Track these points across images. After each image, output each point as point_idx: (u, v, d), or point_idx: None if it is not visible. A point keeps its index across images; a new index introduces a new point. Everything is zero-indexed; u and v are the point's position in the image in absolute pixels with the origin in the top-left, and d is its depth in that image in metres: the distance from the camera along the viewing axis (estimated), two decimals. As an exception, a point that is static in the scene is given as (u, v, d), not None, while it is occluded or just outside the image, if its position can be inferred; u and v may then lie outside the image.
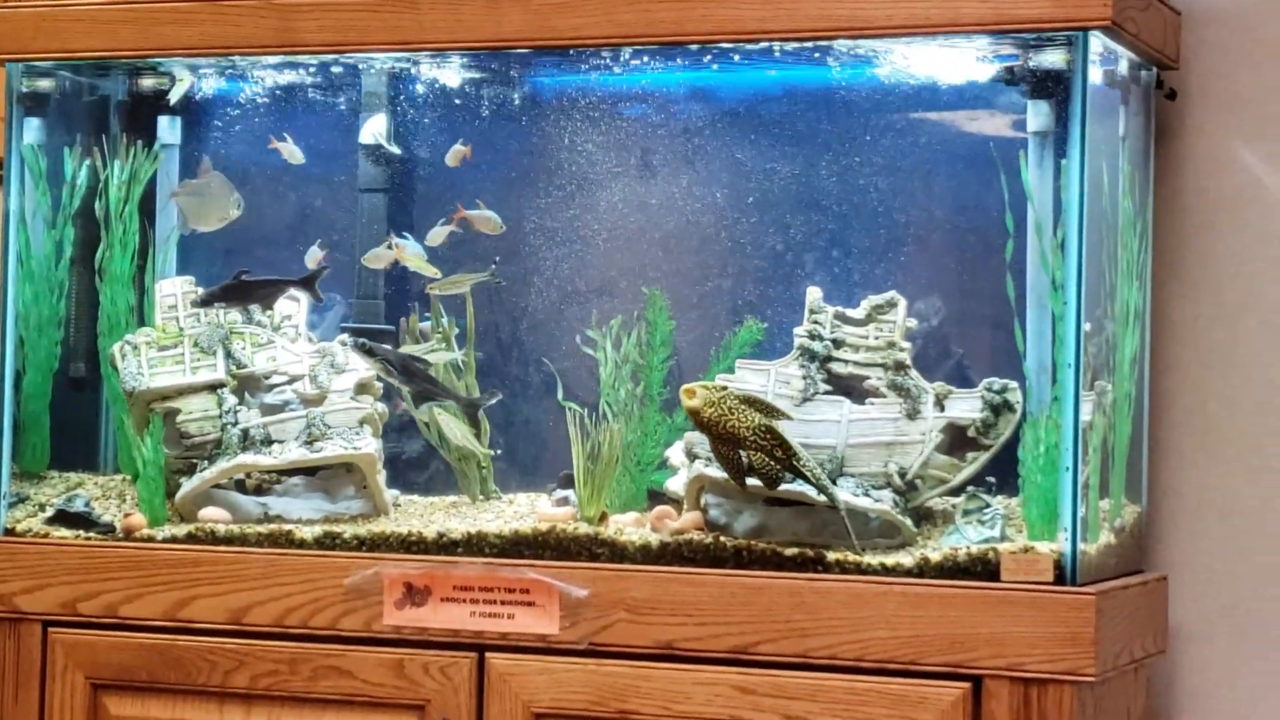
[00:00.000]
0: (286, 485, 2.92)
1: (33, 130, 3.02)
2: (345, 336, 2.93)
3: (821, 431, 2.67)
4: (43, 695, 2.78)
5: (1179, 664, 2.85)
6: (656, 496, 2.82)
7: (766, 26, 2.56)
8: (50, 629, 2.79)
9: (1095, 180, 2.53)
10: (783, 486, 2.59)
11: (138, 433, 2.87)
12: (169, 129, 3.14)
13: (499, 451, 2.97)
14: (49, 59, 2.91)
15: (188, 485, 2.85)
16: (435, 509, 2.91)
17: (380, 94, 3.04)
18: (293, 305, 3.00)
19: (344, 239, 3.07)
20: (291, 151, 3.01)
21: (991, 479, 2.66)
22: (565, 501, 2.80)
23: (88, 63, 2.98)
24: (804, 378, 2.71)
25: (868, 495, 2.61)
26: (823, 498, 2.57)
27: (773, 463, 2.56)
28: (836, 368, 2.73)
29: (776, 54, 2.76)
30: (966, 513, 2.60)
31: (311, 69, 3.02)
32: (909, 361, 2.71)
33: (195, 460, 2.88)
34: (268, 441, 2.86)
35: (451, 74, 3.01)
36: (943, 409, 2.68)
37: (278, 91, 3.09)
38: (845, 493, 2.60)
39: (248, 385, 2.94)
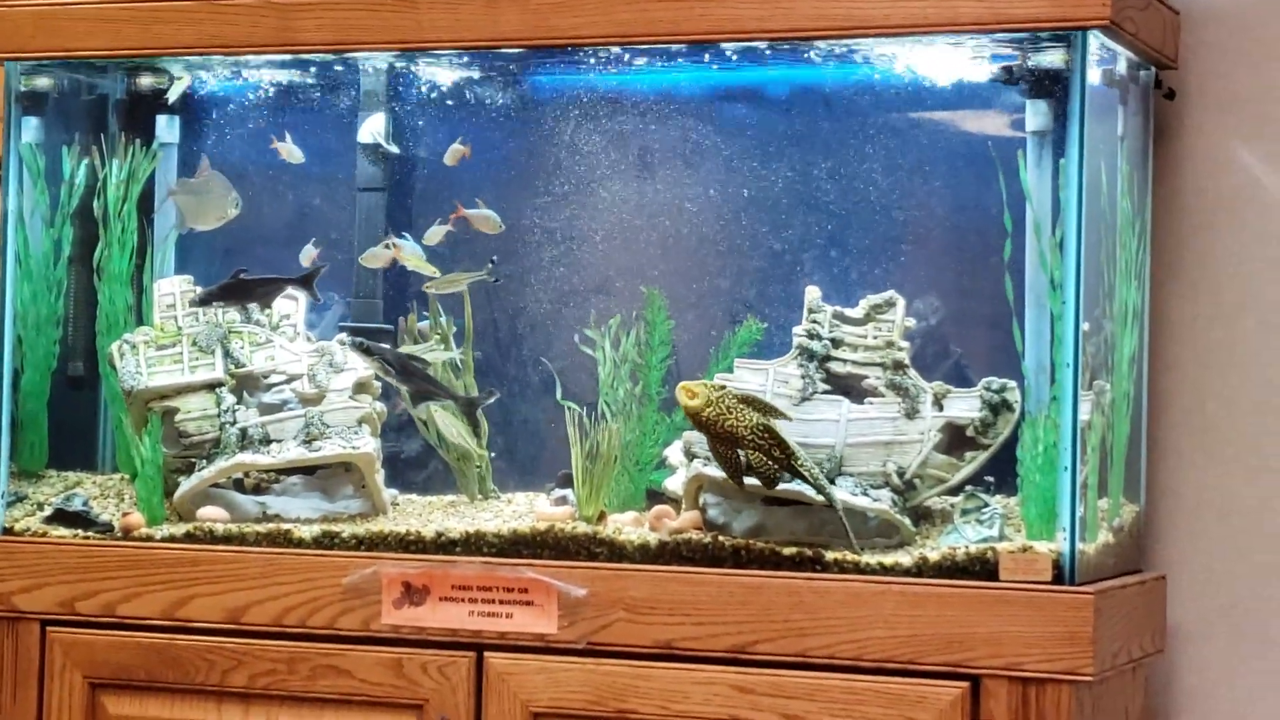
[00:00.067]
0: (285, 484, 2.92)
1: (31, 129, 3.02)
2: (343, 336, 2.93)
3: (820, 431, 2.67)
4: (41, 694, 2.78)
5: (1177, 663, 2.85)
6: (655, 496, 2.82)
7: (765, 26, 2.56)
8: (48, 628, 2.79)
9: (1094, 180, 2.53)
10: (781, 486, 2.59)
11: (136, 432, 2.87)
12: (167, 128, 3.14)
13: (494, 454, 2.97)
14: (48, 58, 2.91)
15: (186, 484, 2.85)
16: (434, 508, 2.91)
17: (379, 93, 3.04)
18: (291, 304, 3.00)
19: (342, 238, 3.07)
20: (291, 151, 3.01)
21: (990, 478, 2.66)
22: (564, 501, 2.80)
23: (86, 61, 2.98)
24: (803, 377, 2.71)
25: (866, 494, 2.61)
26: (820, 497, 2.57)
27: (771, 462, 2.56)
28: (835, 367, 2.73)
29: (775, 53, 2.76)
30: (965, 512, 2.60)
31: (310, 68, 3.02)
32: (907, 361, 2.71)
33: (193, 459, 2.88)
34: (266, 441, 2.86)
35: (450, 73, 3.01)
36: (941, 408, 2.68)
37: (276, 90, 3.09)
38: (844, 492, 2.60)
39: (246, 384, 2.94)
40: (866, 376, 2.71)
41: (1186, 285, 2.86)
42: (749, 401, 2.58)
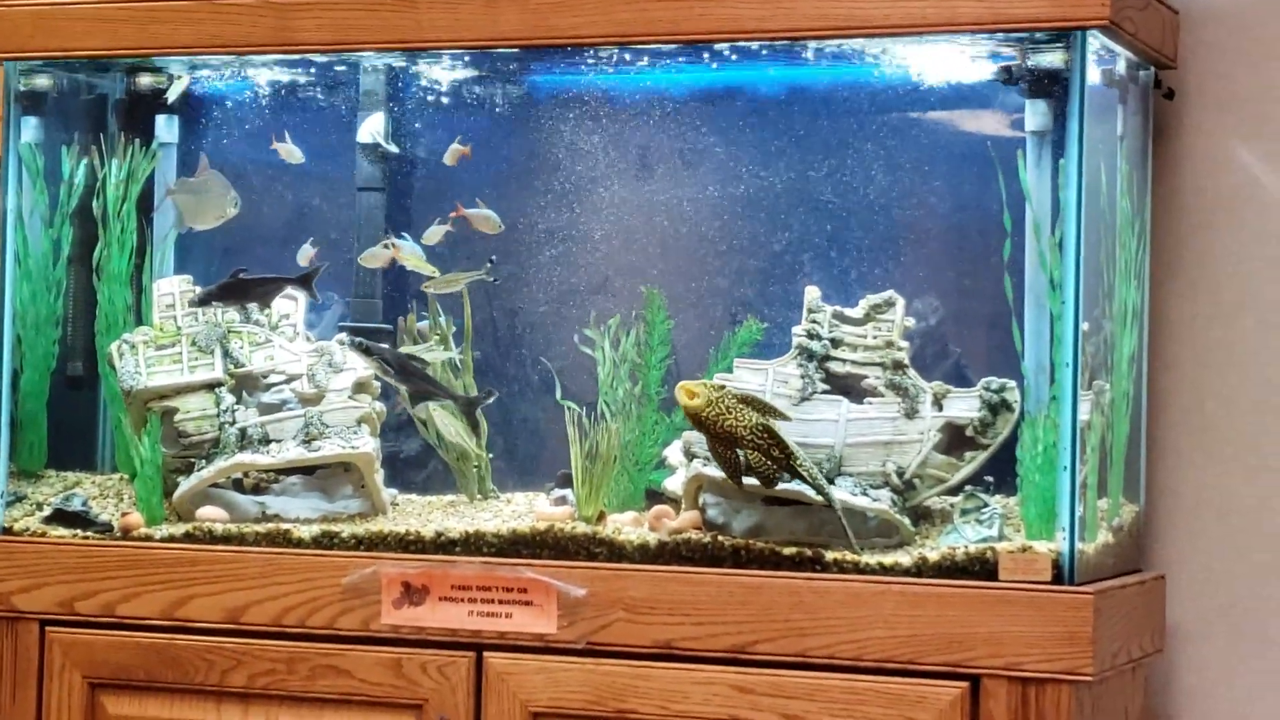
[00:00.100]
0: (284, 484, 2.92)
1: (30, 129, 3.02)
2: (343, 335, 2.93)
3: (819, 431, 2.67)
4: (40, 694, 2.78)
5: (1176, 663, 2.85)
6: (654, 496, 2.82)
7: (764, 25, 2.56)
8: (48, 628, 2.78)
9: (1093, 180, 2.53)
10: (780, 486, 2.59)
11: (135, 432, 2.87)
12: (166, 128, 3.14)
13: (493, 455, 2.97)
14: (47, 57, 2.91)
15: (185, 484, 2.85)
16: (433, 508, 2.91)
17: (378, 93, 3.04)
18: (290, 304, 3.00)
19: (342, 238, 3.07)
20: (290, 151, 3.01)
21: (989, 478, 2.66)
22: (563, 501, 2.80)
23: (85, 61, 2.98)
24: (802, 377, 2.71)
25: (866, 494, 2.61)
26: (820, 497, 2.57)
27: (770, 462, 2.56)
28: (835, 367, 2.73)
29: (775, 53, 2.76)
30: (964, 512, 2.60)
31: (310, 68, 3.02)
32: (907, 361, 2.71)
33: (193, 459, 2.88)
34: (265, 440, 2.86)
35: (449, 73, 3.01)
36: (941, 408, 2.68)
37: (275, 90, 3.09)
38: (843, 492, 2.60)
39: (245, 384, 2.93)
40: (866, 376, 2.71)
41: (1186, 285, 2.86)
42: (748, 401, 2.58)
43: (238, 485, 2.92)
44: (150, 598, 2.74)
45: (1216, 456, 2.85)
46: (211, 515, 2.82)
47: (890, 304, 2.73)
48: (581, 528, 2.68)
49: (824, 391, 2.71)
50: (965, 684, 2.43)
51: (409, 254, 2.92)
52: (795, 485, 2.58)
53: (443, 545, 2.69)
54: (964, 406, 2.67)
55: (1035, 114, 2.67)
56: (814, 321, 2.74)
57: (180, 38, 2.80)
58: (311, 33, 2.74)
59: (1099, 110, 2.59)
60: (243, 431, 2.86)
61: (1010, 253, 2.60)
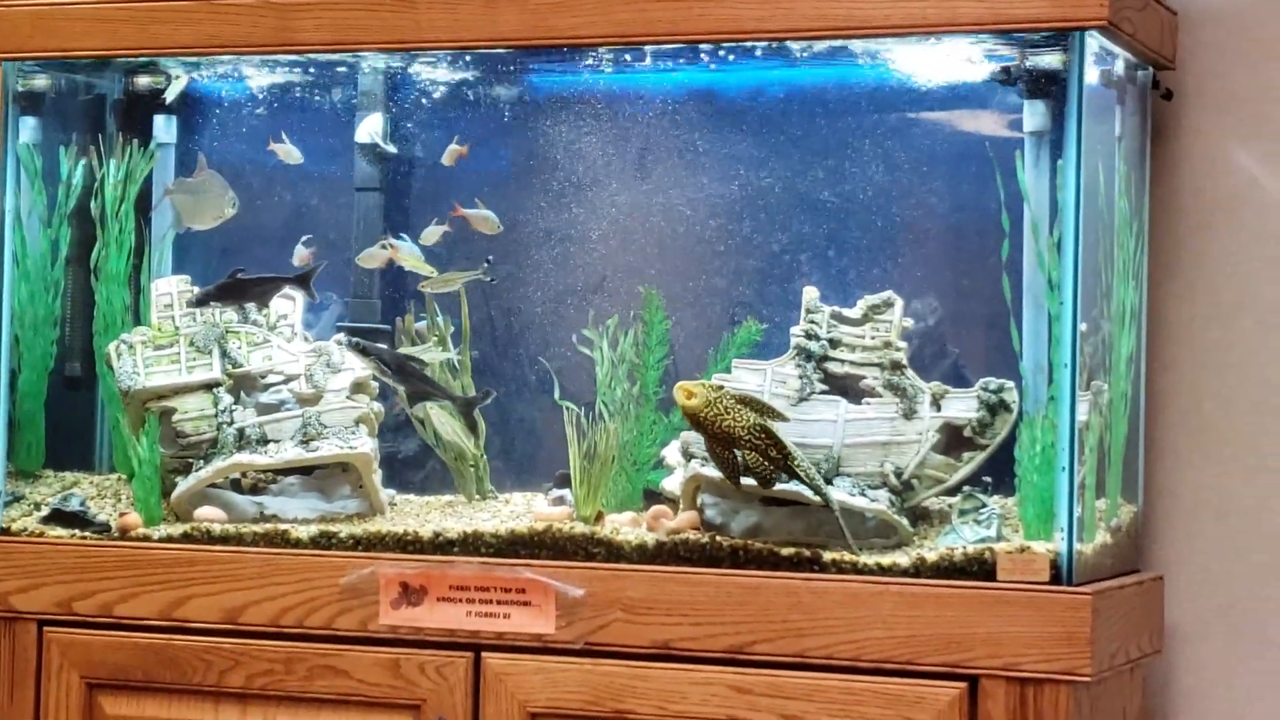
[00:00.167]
0: (282, 484, 2.92)
1: (28, 129, 3.02)
2: (341, 336, 2.93)
3: (818, 431, 2.67)
4: (38, 695, 2.78)
5: (1175, 664, 2.85)
6: (653, 496, 2.82)
7: (764, 26, 2.56)
8: (45, 628, 2.78)
9: (1091, 180, 2.53)
10: (778, 486, 2.59)
11: (133, 432, 2.87)
12: (165, 128, 3.14)
13: (492, 455, 2.97)
14: (45, 58, 2.91)
15: (183, 484, 2.85)
16: (431, 508, 2.91)
17: (376, 93, 3.04)
18: (288, 304, 3.00)
19: (340, 238, 3.07)
20: (289, 152, 3.01)
21: (988, 479, 2.66)
22: (561, 501, 2.79)
23: (84, 61, 2.98)
24: (800, 377, 2.71)
25: (864, 495, 2.61)
26: (817, 498, 2.57)
27: (767, 463, 2.56)
28: (833, 367, 2.73)
29: (774, 53, 2.76)
30: (963, 512, 2.60)
31: (309, 68, 3.02)
32: (905, 361, 2.71)
33: (191, 459, 2.88)
34: (263, 441, 2.86)
35: (448, 73, 3.01)
36: (939, 409, 2.68)
37: (274, 90, 3.09)
38: (841, 493, 2.60)
39: (243, 384, 2.93)
40: (864, 377, 2.71)
41: (1184, 285, 2.86)
42: (746, 402, 2.58)
43: (236, 485, 2.92)
44: (148, 598, 2.74)
45: (1215, 457, 2.85)
46: (209, 515, 2.81)
47: (888, 304, 2.74)
48: (580, 528, 2.68)
49: (822, 392, 2.71)
50: (963, 684, 2.43)
51: (407, 254, 2.92)
52: (793, 486, 2.58)
53: (441, 546, 2.69)
54: (962, 407, 2.67)
55: (1034, 114, 2.67)
56: (812, 322, 2.74)
57: (180, 38, 2.80)
58: (311, 33, 2.74)
59: (1097, 111, 2.59)
60: (241, 432, 2.86)
61: (1008, 253, 2.60)
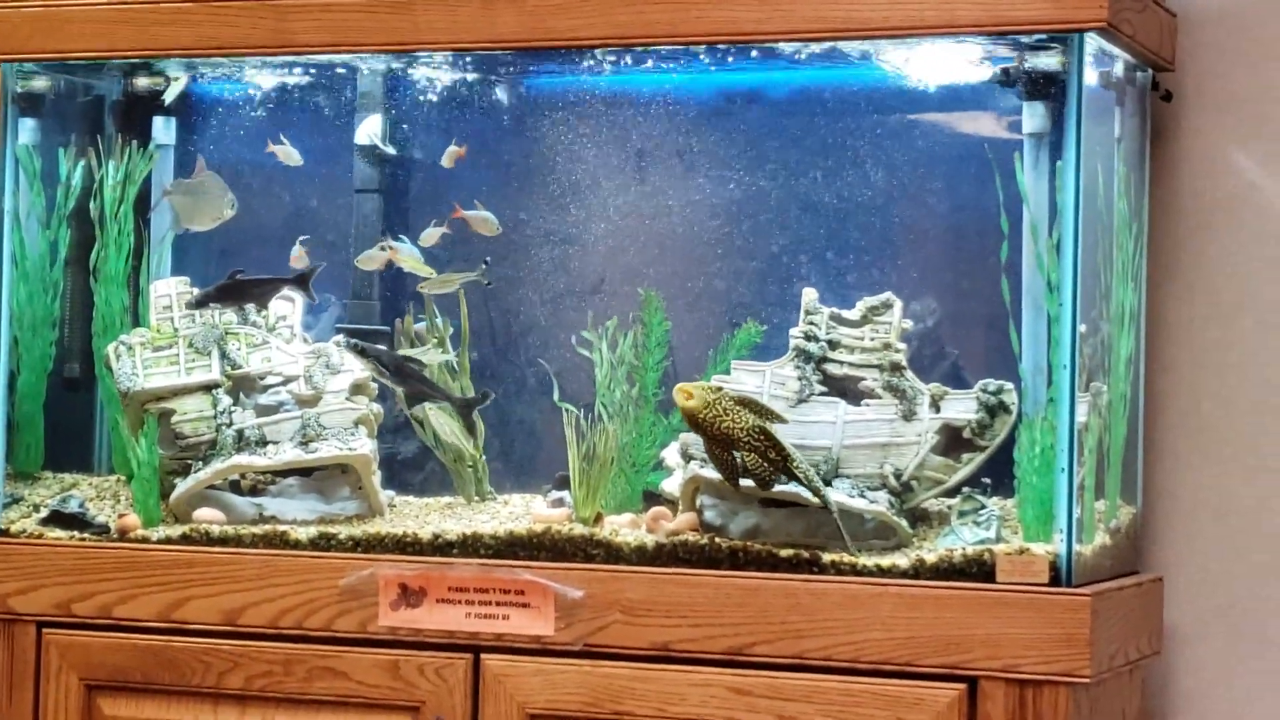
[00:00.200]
0: (281, 486, 2.92)
1: (28, 130, 3.02)
2: (340, 337, 2.93)
3: (817, 433, 2.67)
4: (37, 696, 2.78)
5: (1174, 665, 2.85)
6: (652, 498, 2.82)
7: (762, 28, 2.56)
8: (44, 630, 2.78)
9: (1091, 182, 2.53)
10: (777, 488, 2.59)
11: (132, 433, 2.87)
12: (164, 129, 3.14)
13: (490, 457, 2.97)
14: (45, 59, 2.91)
15: (182, 486, 2.85)
16: (430, 510, 2.91)
17: (375, 95, 3.04)
18: (287, 306, 3.00)
19: (339, 240, 3.07)
20: (288, 154, 3.01)
21: (987, 480, 2.66)
22: (560, 503, 2.79)
23: (83, 63, 2.98)
24: (799, 379, 2.71)
25: (863, 496, 2.61)
26: (816, 499, 2.57)
27: (766, 464, 2.56)
28: (832, 369, 2.73)
29: (773, 55, 2.76)
30: (962, 514, 2.60)
31: (309, 70, 3.02)
32: (904, 363, 2.71)
33: (190, 461, 2.88)
34: (262, 442, 2.86)
35: (447, 75, 3.01)
36: (938, 410, 2.68)
37: (273, 92, 3.09)
38: (840, 494, 2.60)
39: (242, 386, 2.93)
40: (863, 378, 2.71)
41: (1183, 286, 2.86)
42: (745, 403, 2.58)
43: (235, 487, 2.92)
44: (147, 599, 2.74)
45: (1214, 457, 2.85)
46: (208, 517, 2.81)
47: (888, 306, 2.74)
48: (579, 529, 2.68)
49: (821, 393, 2.71)
50: (963, 686, 2.43)
51: (406, 256, 2.92)
52: (792, 487, 2.58)
53: (440, 547, 2.69)
54: (961, 408, 2.67)
55: (1033, 116, 2.67)
56: (811, 323, 2.74)
57: (178, 40, 2.80)
58: (309, 35, 2.74)
59: (1097, 112, 2.59)
60: (240, 433, 2.86)
61: (1008, 255, 2.60)
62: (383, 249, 2.94)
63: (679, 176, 2.96)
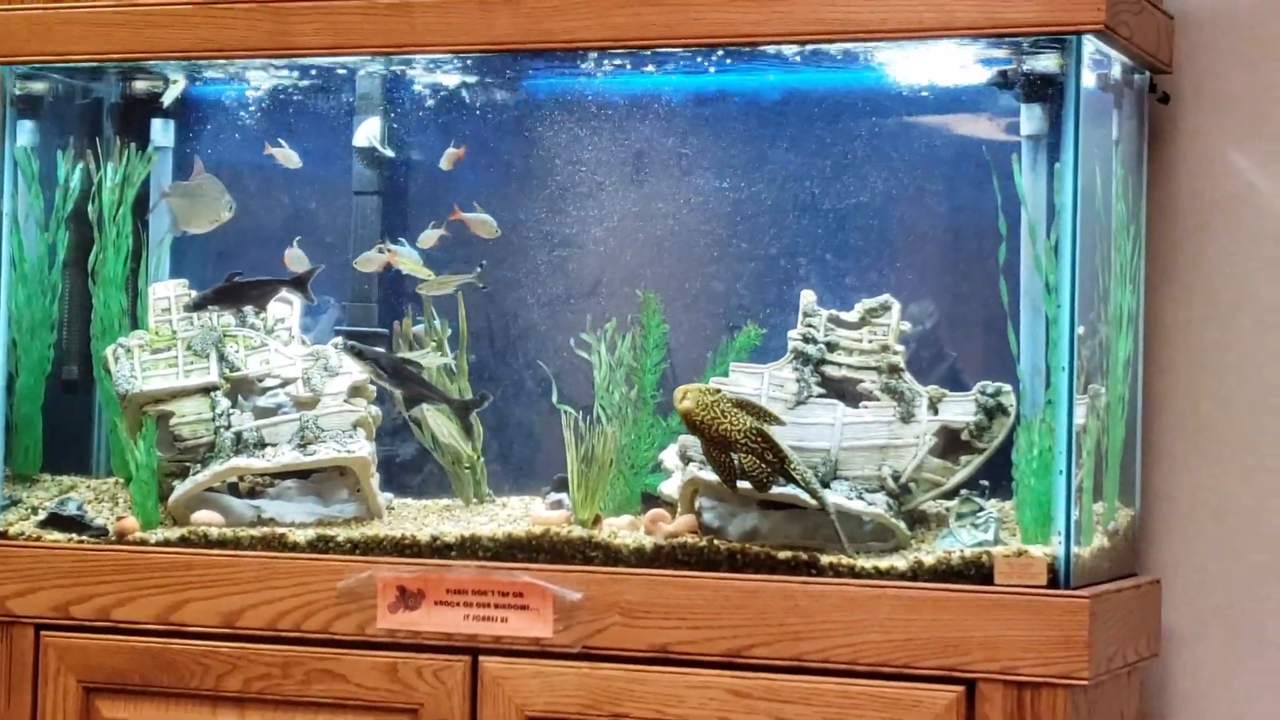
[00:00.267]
0: (280, 488, 2.92)
1: (26, 133, 3.02)
2: (338, 339, 2.93)
3: (815, 435, 2.67)
4: (35, 699, 2.78)
5: (1172, 667, 2.85)
6: (650, 500, 2.82)
7: (760, 30, 2.56)
8: (42, 632, 2.78)
9: (1088, 184, 2.53)
10: (775, 490, 2.59)
11: (130, 436, 2.87)
12: (162, 131, 3.14)
13: (487, 459, 2.97)
14: (42, 61, 2.91)
15: (180, 488, 2.85)
16: (429, 512, 2.91)
17: (374, 97, 3.04)
18: (286, 308, 3.00)
19: (338, 242, 3.07)
20: (287, 156, 3.01)
21: (985, 482, 2.66)
22: (559, 504, 2.79)
23: (82, 65, 2.98)
24: (798, 381, 2.71)
25: (861, 498, 2.61)
26: (813, 501, 2.57)
27: (763, 466, 2.56)
28: (830, 371, 2.73)
29: (771, 57, 2.76)
30: (960, 516, 2.60)
31: (308, 72, 3.02)
32: (903, 365, 2.71)
33: (188, 463, 2.88)
34: (261, 444, 2.86)
35: (445, 77, 3.01)
36: (936, 412, 2.68)
37: (271, 94, 3.09)
38: (838, 496, 2.60)
39: (241, 388, 2.93)
40: (862, 380, 2.71)
41: (1181, 288, 2.86)
42: (743, 405, 2.58)
43: (233, 489, 2.92)
44: (145, 602, 2.74)
45: (1212, 458, 2.85)
46: (207, 519, 2.81)
47: (886, 308, 2.73)
48: (577, 531, 2.68)
49: (819, 395, 2.71)
50: (961, 688, 2.43)
51: (405, 258, 2.93)
52: (790, 489, 2.59)
53: (438, 549, 2.69)
54: (959, 410, 2.67)
55: (1030, 118, 2.67)
56: (809, 325, 2.74)
57: (176, 42, 2.80)
58: (308, 37, 2.74)
59: (1094, 114, 2.59)
60: (238, 435, 2.86)
61: (1005, 257, 2.60)
62: (381, 251, 2.94)
63: (676, 178, 2.96)
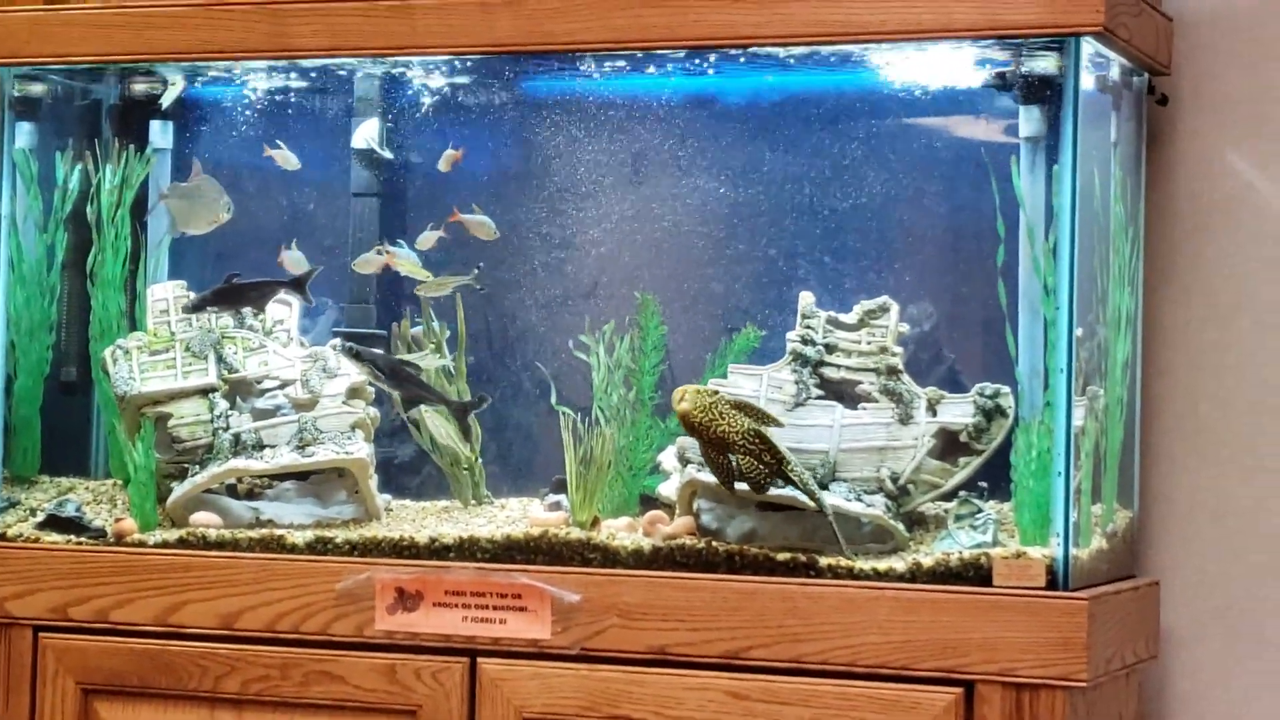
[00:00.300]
0: (278, 490, 2.92)
1: (25, 134, 3.02)
2: (336, 341, 2.93)
3: (814, 436, 2.67)
4: (33, 701, 2.78)
5: (1171, 668, 2.85)
6: (649, 501, 2.82)
7: (760, 32, 2.56)
8: (41, 634, 2.78)
9: (1087, 185, 2.54)
10: (773, 491, 2.59)
11: (129, 437, 2.87)
12: (161, 133, 3.14)
13: (486, 460, 2.97)
14: (42, 63, 2.91)
15: (179, 490, 2.85)
16: (427, 514, 2.91)
17: (373, 98, 3.04)
18: (284, 310, 3.00)
19: (337, 243, 3.07)
20: (286, 158, 3.01)
21: (984, 484, 2.66)
22: (557, 506, 2.79)
23: (80, 67, 2.98)
24: (796, 382, 2.71)
25: (860, 500, 2.61)
26: (812, 503, 2.57)
27: (761, 467, 2.56)
28: (829, 373, 2.73)
29: (770, 59, 2.76)
30: (959, 518, 2.60)
31: (308, 73, 3.02)
32: (901, 366, 2.71)
33: (186, 465, 2.88)
34: (259, 446, 2.86)
35: (444, 79, 3.01)
36: (935, 414, 2.68)
37: (270, 96, 3.09)
38: (836, 497, 2.60)
39: (239, 390, 2.93)
40: (860, 382, 2.71)
41: (1180, 290, 2.87)
42: (741, 407, 2.58)
43: (231, 491, 2.92)
44: (144, 604, 2.74)
45: (1211, 459, 2.85)
46: (205, 521, 2.81)
47: (884, 309, 2.74)
48: (576, 533, 2.68)
49: (818, 397, 2.71)
50: (959, 690, 2.43)
51: (403, 260, 2.93)
52: (788, 491, 2.59)
53: (437, 551, 2.69)
54: (958, 412, 2.67)
55: (1029, 120, 2.67)
56: (808, 327, 2.74)
57: (176, 43, 2.80)
58: (307, 39, 2.74)
59: (1093, 116, 2.59)
60: (236, 437, 2.86)
61: (1004, 258, 2.60)
62: (380, 253, 2.94)
63: (675, 180, 2.96)
